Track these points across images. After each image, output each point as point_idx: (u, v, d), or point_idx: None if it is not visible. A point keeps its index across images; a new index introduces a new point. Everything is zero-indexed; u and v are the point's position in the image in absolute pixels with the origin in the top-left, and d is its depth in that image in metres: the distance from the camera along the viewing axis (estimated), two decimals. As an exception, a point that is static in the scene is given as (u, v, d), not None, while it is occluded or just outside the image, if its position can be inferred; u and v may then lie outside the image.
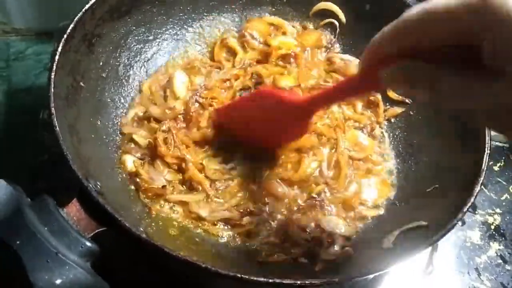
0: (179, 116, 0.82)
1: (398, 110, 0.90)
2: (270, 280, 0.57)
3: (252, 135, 0.79)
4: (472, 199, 0.68)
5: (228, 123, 0.81)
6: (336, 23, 0.98)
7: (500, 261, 0.86)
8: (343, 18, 0.97)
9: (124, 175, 0.77)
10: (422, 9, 0.42)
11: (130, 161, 0.78)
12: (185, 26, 0.95)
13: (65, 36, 0.72)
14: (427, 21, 0.42)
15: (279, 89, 0.87)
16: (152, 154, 0.79)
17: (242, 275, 0.57)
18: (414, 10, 0.43)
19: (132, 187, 0.76)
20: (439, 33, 0.42)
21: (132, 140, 0.80)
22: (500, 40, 0.38)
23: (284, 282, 0.58)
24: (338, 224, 0.76)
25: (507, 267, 0.85)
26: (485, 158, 0.72)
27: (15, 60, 1.10)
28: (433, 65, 0.44)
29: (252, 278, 0.57)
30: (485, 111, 0.41)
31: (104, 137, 0.79)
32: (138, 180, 0.76)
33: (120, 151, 0.80)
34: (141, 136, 0.81)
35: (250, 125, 0.78)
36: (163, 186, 0.75)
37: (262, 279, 0.57)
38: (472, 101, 0.42)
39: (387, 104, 0.91)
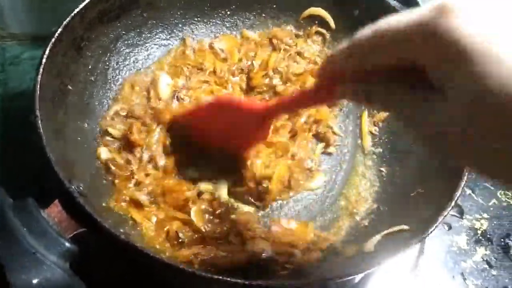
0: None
1: (385, 114, 0.91)
2: (246, 282, 0.58)
3: (211, 140, 0.80)
4: (452, 203, 0.68)
5: (187, 128, 0.81)
6: (325, 32, 0.99)
7: (486, 266, 0.86)
8: (332, 24, 0.98)
9: (107, 176, 0.77)
10: (371, 31, 0.43)
11: (105, 151, 0.79)
12: (175, 31, 0.96)
13: (52, 39, 0.73)
14: (375, 43, 0.43)
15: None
16: (126, 143, 0.80)
17: (218, 277, 0.57)
18: (365, 30, 0.44)
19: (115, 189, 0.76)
20: (387, 54, 0.43)
21: (107, 133, 0.81)
22: (443, 60, 0.38)
23: (262, 283, 0.58)
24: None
25: (493, 272, 0.85)
26: (467, 163, 0.72)
27: (10, 65, 1.11)
28: (383, 85, 0.46)
29: (227, 279, 0.57)
30: (439, 136, 0.41)
31: (91, 139, 0.80)
32: (112, 167, 0.77)
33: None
34: (117, 129, 0.82)
35: (209, 131, 0.79)
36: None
37: (238, 280, 0.58)
38: (424, 123, 0.42)
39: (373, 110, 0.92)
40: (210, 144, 0.80)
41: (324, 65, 0.53)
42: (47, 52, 0.71)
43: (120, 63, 0.88)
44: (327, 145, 0.90)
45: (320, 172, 0.88)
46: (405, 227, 0.71)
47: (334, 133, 0.91)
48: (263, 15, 1.00)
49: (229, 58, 0.95)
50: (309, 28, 1.00)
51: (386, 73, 0.45)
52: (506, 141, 0.37)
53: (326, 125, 0.90)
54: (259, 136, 0.77)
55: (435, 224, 0.66)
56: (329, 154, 0.90)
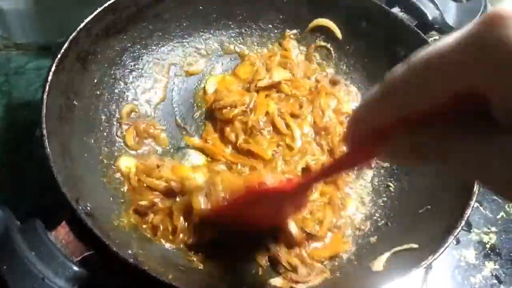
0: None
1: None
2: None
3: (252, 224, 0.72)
4: (463, 222, 0.67)
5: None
6: (330, 47, 0.99)
7: (495, 281, 0.86)
8: (339, 35, 0.97)
9: (115, 193, 0.77)
10: (408, 66, 0.34)
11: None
12: (182, 42, 0.95)
13: (58, 55, 0.72)
14: (417, 78, 0.33)
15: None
16: None
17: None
18: (399, 68, 0.34)
19: (123, 207, 0.76)
20: (435, 89, 0.33)
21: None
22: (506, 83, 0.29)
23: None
24: None
25: (502, 287, 0.85)
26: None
27: (15, 75, 1.10)
28: (440, 127, 0.34)
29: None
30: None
31: (97, 155, 0.79)
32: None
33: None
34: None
35: (247, 219, 0.71)
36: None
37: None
38: (491, 164, 0.32)
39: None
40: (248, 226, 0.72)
41: (352, 123, 0.41)
42: (53, 68, 0.71)
43: (125, 77, 0.88)
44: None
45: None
46: (414, 246, 0.71)
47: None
48: (269, 26, 0.99)
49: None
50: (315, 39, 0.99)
51: (436, 116, 0.34)
52: None
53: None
54: (298, 208, 0.73)
55: (446, 244, 0.66)
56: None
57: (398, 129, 0.36)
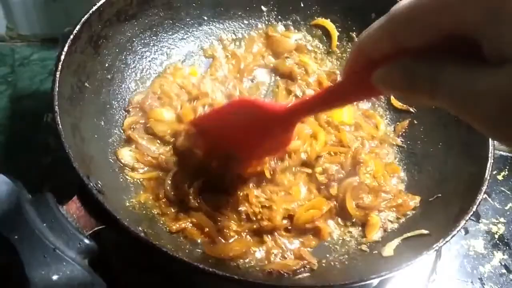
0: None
1: (405, 122, 0.89)
2: (267, 283, 0.57)
3: (234, 144, 0.73)
4: (474, 208, 0.67)
5: (209, 131, 0.76)
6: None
7: (504, 270, 0.85)
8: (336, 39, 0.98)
9: (124, 175, 0.77)
10: (411, 1, 0.37)
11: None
12: (191, 31, 0.95)
13: (71, 36, 0.72)
14: (418, 14, 0.37)
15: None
16: None
17: (238, 277, 0.56)
18: (402, 3, 0.38)
19: (133, 188, 0.76)
20: (433, 26, 0.36)
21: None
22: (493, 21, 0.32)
23: (283, 285, 0.58)
24: None
25: (511, 276, 0.84)
26: (488, 167, 0.71)
27: (20, 66, 1.11)
28: (432, 59, 0.37)
29: (248, 280, 0.57)
30: (492, 109, 0.33)
31: (107, 137, 0.79)
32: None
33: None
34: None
35: (231, 135, 0.72)
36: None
37: (259, 281, 0.57)
38: (479, 96, 0.34)
39: (391, 112, 0.92)
40: (232, 148, 0.74)
41: (357, 49, 0.44)
42: (65, 48, 0.71)
43: (136, 62, 0.88)
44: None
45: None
46: (425, 231, 0.71)
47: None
48: (274, 16, 1.00)
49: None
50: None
51: (430, 48, 0.37)
52: None
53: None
54: (282, 142, 0.71)
55: (456, 229, 0.65)
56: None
57: (395, 56, 0.40)
